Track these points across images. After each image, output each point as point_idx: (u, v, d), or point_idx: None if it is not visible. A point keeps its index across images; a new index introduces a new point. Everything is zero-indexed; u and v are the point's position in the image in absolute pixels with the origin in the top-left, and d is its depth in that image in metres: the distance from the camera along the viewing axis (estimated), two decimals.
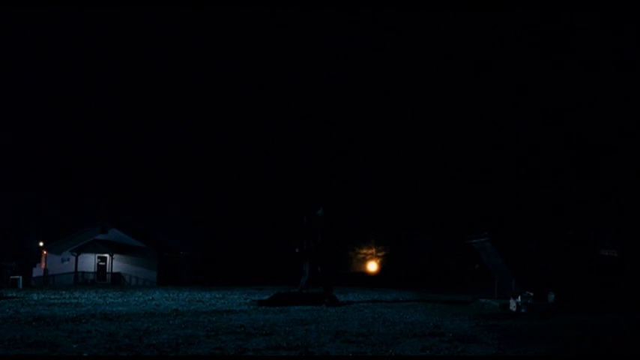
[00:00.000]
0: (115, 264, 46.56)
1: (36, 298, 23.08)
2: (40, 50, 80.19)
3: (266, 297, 20.78)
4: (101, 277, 45.95)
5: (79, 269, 45.53)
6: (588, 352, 9.04)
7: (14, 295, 25.23)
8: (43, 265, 48.17)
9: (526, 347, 9.35)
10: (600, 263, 19.66)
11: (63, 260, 46.87)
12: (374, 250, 54.44)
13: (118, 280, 45.79)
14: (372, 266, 53.68)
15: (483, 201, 47.67)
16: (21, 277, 39.57)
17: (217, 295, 24.66)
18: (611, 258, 21.81)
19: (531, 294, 17.06)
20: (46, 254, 48.42)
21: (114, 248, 46.70)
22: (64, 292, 27.75)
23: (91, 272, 46.16)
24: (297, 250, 22.66)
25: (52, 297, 23.66)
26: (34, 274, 46.81)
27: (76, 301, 21.14)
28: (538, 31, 59.31)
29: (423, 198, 52.95)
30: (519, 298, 16.85)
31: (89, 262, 46.39)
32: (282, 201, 55.14)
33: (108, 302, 20.28)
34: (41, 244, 50.83)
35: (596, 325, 12.56)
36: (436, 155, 56.61)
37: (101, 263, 46.77)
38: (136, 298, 22.56)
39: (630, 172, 39.18)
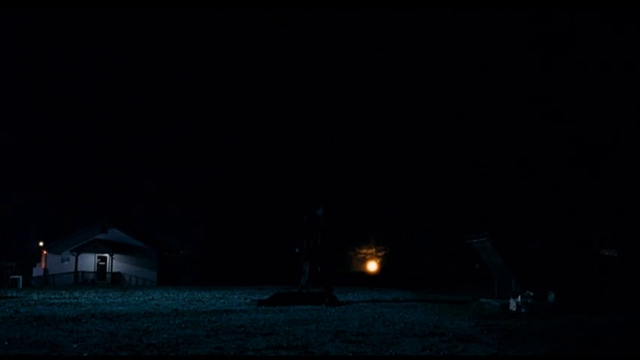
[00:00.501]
0: (115, 264, 46.58)
1: (36, 297, 23.07)
2: (40, 50, 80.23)
3: (266, 297, 20.77)
4: (101, 277, 45.97)
5: (79, 269, 45.55)
6: (588, 352, 9.03)
7: (14, 294, 25.22)
8: (43, 264, 48.20)
9: (526, 347, 9.35)
10: (600, 263, 19.64)
11: (63, 260, 46.90)
12: (374, 250, 54.43)
13: (118, 279, 45.81)
14: (372, 266, 53.68)
15: (483, 201, 47.63)
16: (21, 277, 39.62)
17: (217, 295, 24.65)
18: (611, 258, 21.76)
19: (531, 294, 17.05)
20: (46, 254, 48.45)
21: (114, 248, 46.71)
22: (64, 292, 27.74)
23: (91, 272, 46.19)
24: (297, 250, 22.65)
25: (52, 297, 23.64)
26: (34, 274, 46.84)
27: (76, 300, 21.14)
28: (538, 31, 59.33)
29: (423, 198, 52.92)
30: (519, 297, 16.85)
31: (89, 261, 46.42)
32: (282, 201, 55.15)
33: (108, 302, 20.28)
34: (41, 244, 50.85)
35: (596, 325, 12.55)
36: (436, 155, 56.58)
37: (101, 263, 46.79)
38: (136, 298, 22.55)
39: (630, 172, 39.15)
